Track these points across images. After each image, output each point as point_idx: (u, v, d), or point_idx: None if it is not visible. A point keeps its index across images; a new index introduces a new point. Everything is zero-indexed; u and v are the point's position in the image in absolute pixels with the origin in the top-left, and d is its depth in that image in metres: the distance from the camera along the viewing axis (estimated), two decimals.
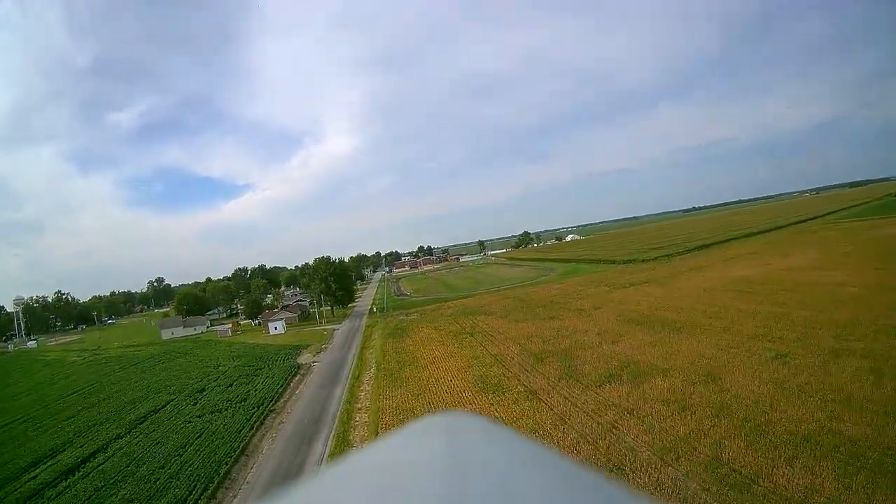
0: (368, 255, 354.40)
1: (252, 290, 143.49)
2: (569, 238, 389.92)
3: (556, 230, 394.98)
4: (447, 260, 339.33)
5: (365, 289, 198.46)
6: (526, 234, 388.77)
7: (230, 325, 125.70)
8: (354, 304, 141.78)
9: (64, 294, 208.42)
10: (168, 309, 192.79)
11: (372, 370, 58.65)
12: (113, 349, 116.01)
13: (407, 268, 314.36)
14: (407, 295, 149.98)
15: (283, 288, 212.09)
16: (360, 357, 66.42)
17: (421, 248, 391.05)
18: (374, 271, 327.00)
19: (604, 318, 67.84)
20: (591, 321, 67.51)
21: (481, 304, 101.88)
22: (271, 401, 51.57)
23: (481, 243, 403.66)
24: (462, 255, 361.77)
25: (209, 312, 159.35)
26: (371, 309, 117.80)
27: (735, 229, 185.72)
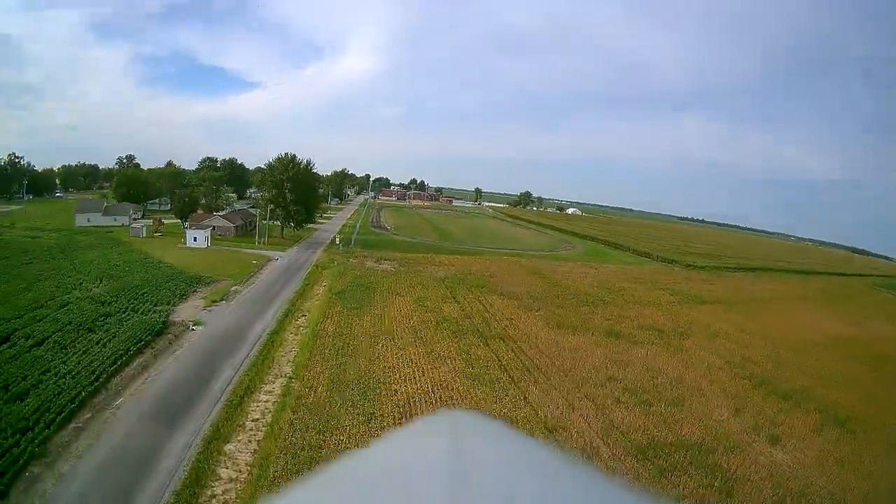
0: (357, 175, 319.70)
1: (190, 183, 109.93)
2: (570, 211, 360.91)
3: (554, 200, 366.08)
4: (439, 200, 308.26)
5: (340, 210, 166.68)
6: (527, 194, 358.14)
7: (151, 223, 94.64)
8: (317, 226, 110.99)
9: (18, 158, 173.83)
10: (107, 190, 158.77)
11: (276, 389, 28.44)
12: (16, 230, 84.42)
13: (394, 198, 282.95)
14: (386, 230, 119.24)
15: (252, 190, 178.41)
16: (271, 341, 35.86)
17: (413, 180, 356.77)
18: (358, 194, 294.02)
19: (709, 363, 39.48)
20: (692, 364, 38.69)
21: (489, 270, 71.94)
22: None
23: (478, 191, 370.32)
24: (456, 198, 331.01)
25: (151, 202, 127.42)
26: (335, 239, 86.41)
27: (778, 260, 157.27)
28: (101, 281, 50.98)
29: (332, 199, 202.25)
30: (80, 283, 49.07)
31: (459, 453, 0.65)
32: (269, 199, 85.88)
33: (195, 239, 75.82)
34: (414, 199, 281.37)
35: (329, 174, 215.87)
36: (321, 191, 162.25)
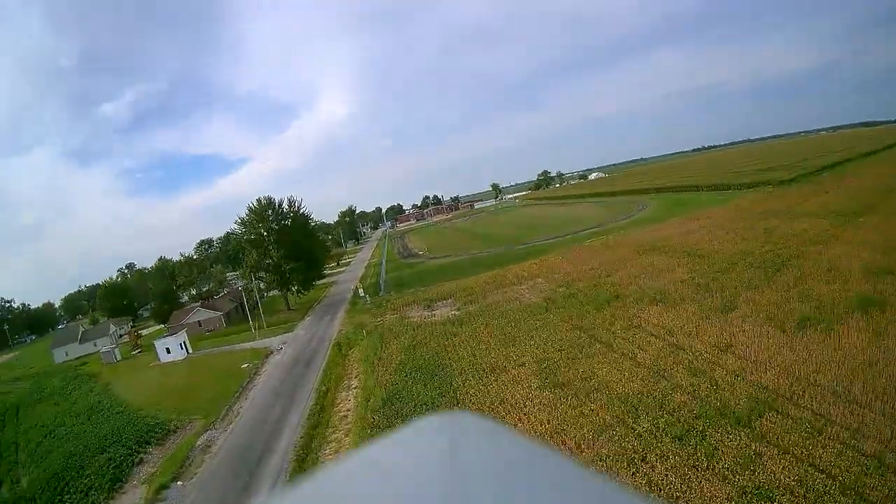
0: (367, 212, 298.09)
1: (170, 275, 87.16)
2: (592, 177, 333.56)
3: (572, 173, 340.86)
4: (458, 208, 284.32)
5: (358, 251, 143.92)
6: (546, 173, 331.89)
7: (127, 339, 73.77)
8: (334, 278, 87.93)
9: (7, 301, 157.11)
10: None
11: None
12: None
13: (412, 221, 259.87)
14: (418, 255, 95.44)
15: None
16: None
17: (426, 198, 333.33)
18: (375, 228, 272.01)
19: None
20: None
21: (590, 265, 47.78)
22: None
23: (496, 187, 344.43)
24: (475, 201, 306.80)
25: (146, 308, 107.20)
26: (357, 290, 62.37)
27: (835, 150, 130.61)
28: (29, 464, 30.64)
29: (346, 243, 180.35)
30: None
31: (458, 454, 0.65)
32: (252, 265, 62.71)
33: (168, 351, 53.11)
34: (434, 215, 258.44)
35: (336, 218, 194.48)
36: (328, 236, 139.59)
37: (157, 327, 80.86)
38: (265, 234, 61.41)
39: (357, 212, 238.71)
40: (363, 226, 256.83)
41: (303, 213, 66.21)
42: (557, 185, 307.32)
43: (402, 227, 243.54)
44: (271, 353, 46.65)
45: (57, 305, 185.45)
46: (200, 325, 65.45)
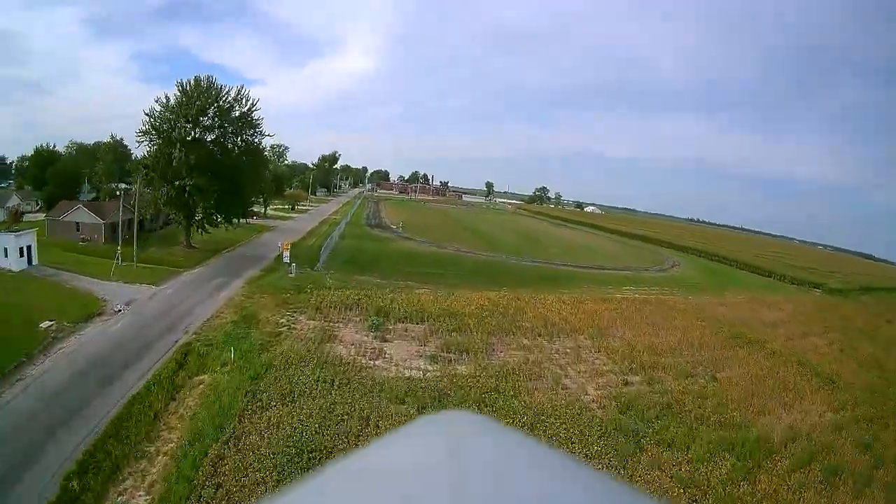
0: (352, 167, 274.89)
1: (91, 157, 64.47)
2: (588, 209, 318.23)
3: (565, 199, 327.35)
4: (445, 194, 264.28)
5: (324, 203, 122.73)
6: (544, 189, 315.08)
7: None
8: (274, 222, 67.26)
9: None
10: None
11: None
12: None
13: (395, 191, 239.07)
14: (389, 228, 75.25)
15: None
16: None
17: (416, 173, 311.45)
18: (354, 186, 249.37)
19: None
20: None
21: (693, 346, 28.36)
22: None
23: (489, 185, 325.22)
24: (463, 193, 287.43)
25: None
26: (288, 252, 41.31)
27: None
28: None
29: (318, 190, 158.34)
30: None
31: (459, 453, 0.65)
32: (148, 164, 41.77)
33: (5, 253, 32.59)
34: (419, 193, 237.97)
35: (316, 161, 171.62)
36: (293, 177, 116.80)
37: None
38: (187, 126, 40.67)
39: (340, 165, 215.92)
40: (343, 179, 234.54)
41: (252, 119, 45.13)
42: (552, 206, 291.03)
43: (382, 192, 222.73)
44: (99, 314, 26.69)
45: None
46: (78, 230, 45.06)
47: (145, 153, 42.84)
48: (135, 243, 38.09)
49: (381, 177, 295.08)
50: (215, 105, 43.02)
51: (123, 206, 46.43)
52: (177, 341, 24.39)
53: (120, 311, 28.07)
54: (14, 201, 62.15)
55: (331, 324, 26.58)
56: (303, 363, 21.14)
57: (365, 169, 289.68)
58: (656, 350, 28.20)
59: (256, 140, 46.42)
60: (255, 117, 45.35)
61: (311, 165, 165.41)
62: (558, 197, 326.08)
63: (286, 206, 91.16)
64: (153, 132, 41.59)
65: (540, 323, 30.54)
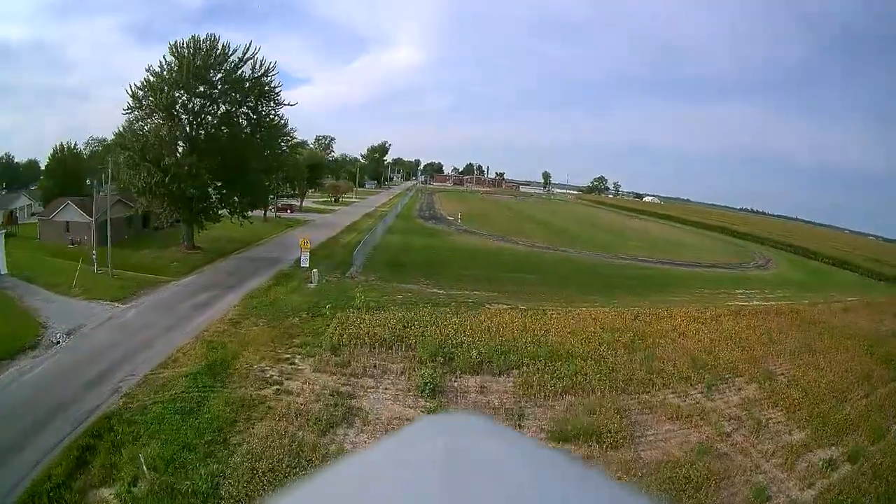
0: (405, 160, 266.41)
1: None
2: (647, 199, 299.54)
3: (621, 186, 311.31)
4: (502, 185, 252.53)
5: (373, 195, 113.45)
6: (601, 179, 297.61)
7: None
8: (309, 217, 57.66)
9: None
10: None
11: None
12: None
13: (449, 183, 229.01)
14: (446, 220, 64.24)
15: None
16: None
17: (470, 165, 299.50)
18: (406, 179, 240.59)
19: None
20: None
21: None
22: None
23: (547, 176, 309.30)
24: (520, 184, 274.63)
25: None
26: (308, 249, 30.53)
27: None
28: None
29: (365, 183, 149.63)
30: None
31: (459, 454, 0.65)
32: (126, 143, 32.07)
33: None
34: (474, 184, 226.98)
35: (364, 153, 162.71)
36: (335, 170, 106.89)
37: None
38: (182, 115, 31.22)
39: (391, 158, 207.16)
40: (395, 172, 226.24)
41: (267, 86, 34.84)
42: (611, 196, 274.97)
43: (436, 184, 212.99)
44: (31, 347, 17.76)
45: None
46: (69, 231, 36.91)
47: (122, 128, 33.02)
48: (108, 244, 28.33)
49: (435, 169, 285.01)
50: (221, 69, 33.09)
51: (120, 200, 37.42)
52: (98, 407, 14.41)
53: (58, 342, 18.67)
54: (22, 202, 55.01)
55: (352, 379, 15.65)
56: (282, 478, 10.49)
57: (417, 161, 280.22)
58: (830, 391, 17.56)
59: (272, 114, 36.15)
60: (272, 85, 35.18)
61: (360, 158, 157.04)
62: (617, 187, 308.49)
63: (329, 199, 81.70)
64: (140, 105, 32.00)
65: (683, 361, 18.95)
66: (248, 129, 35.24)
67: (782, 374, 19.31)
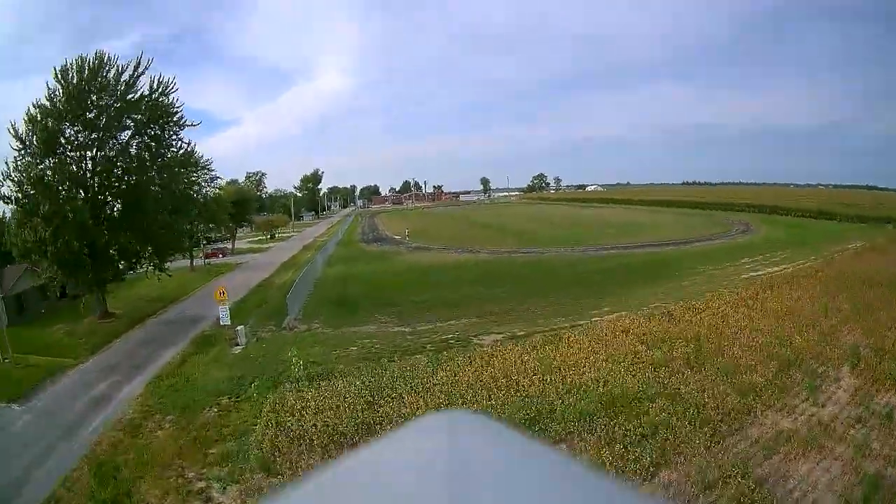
0: (340, 187, 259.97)
1: None
2: (590, 188, 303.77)
3: (561, 183, 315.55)
4: (441, 198, 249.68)
5: (311, 225, 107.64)
6: (541, 177, 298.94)
7: None
8: (243, 259, 51.55)
9: None
10: None
11: None
12: None
13: (388, 204, 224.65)
14: (393, 239, 59.32)
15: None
16: None
17: (407, 183, 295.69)
18: (344, 206, 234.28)
19: None
20: None
21: None
22: None
23: (486, 182, 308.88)
24: (459, 194, 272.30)
25: None
26: (225, 302, 24.80)
27: None
28: None
29: (305, 215, 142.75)
30: None
31: (458, 453, 0.65)
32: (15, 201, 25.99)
33: None
34: (414, 201, 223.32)
35: (296, 185, 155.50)
36: (264, 206, 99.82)
37: None
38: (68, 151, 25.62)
39: (324, 187, 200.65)
40: (332, 201, 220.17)
41: (162, 106, 29.31)
42: (552, 192, 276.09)
43: (375, 207, 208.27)
44: None
45: None
46: None
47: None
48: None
49: (372, 192, 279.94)
50: (113, 91, 27.63)
51: (30, 268, 31.23)
52: None
53: None
54: None
55: None
56: None
57: (354, 187, 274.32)
58: None
59: (174, 138, 30.65)
60: (169, 104, 29.73)
61: (294, 190, 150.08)
62: (558, 182, 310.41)
63: (263, 237, 75.50)
64: (25, 146, 26.21)
65: (761, 361, 14.90)
66: (147, 161, 29.56)
67: (865, 346, 15.53)
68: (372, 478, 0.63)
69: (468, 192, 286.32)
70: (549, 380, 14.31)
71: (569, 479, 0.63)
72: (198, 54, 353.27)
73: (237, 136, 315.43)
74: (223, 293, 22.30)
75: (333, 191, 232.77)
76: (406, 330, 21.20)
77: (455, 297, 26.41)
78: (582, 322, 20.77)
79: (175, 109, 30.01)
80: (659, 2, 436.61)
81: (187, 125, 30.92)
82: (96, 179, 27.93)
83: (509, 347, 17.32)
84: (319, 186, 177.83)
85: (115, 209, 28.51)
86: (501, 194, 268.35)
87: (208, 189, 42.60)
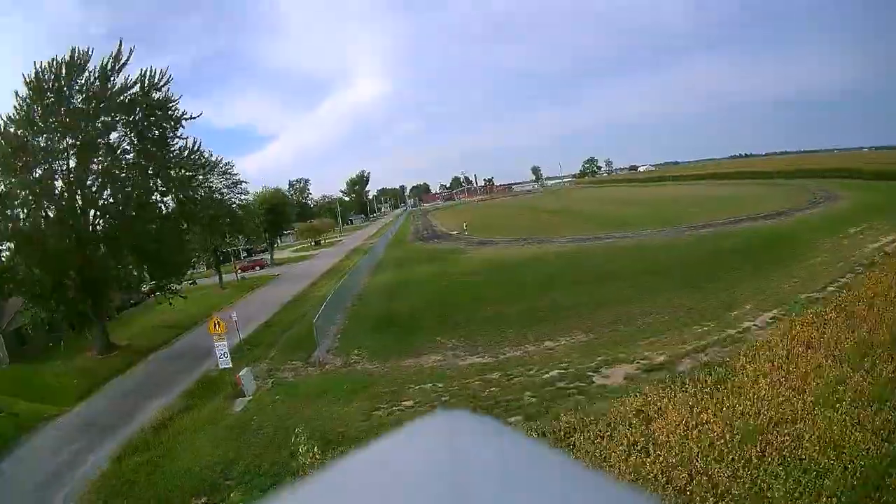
0: (389, 188, 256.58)
1: None
2: (642, 168, 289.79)
3: (613, 166, 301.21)
4: (493, 190, 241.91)
5: (360, 229, 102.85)
6: (592, 160, 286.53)
7: None
8: (279, 271, 45.97)
9: None
10: None
11: None
12: None
13: (440, 200, 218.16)
14: (450, 235, 52.83)
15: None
16: None
17: (457, 178, 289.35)
18: (395, 207, 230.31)
19: None
20: None
21: None
22: None
23: (536, 170, 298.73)
24: (510, 186, 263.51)
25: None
26: (222, 334, 18.40)
27: None
28: None
29: (354, 218, 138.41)
30: None
31: (458, 453, 0.65)
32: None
33: None
34: (466, 195, 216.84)
35: (343, 187, 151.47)
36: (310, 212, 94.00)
37: None
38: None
39: (373, 189, 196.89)
40: (383, 202, 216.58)
41: (158, 104, 23.71)
42: (605, 174, 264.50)
43: (427, 205, 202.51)
44: None
45: None
46: None
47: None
48: None
49: (423, 190, 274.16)
50: (91, 86, 22.39)
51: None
52: None
53: None
54: None
55: None
56: None
57: (403, 188, 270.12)
58: None
59: (169, 134, 25.02)
60: (164, 99, 24.27)
61: (340, 194, 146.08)
62: (610, 164, 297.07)
63: (308, 244, 70.37)
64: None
65: None
66: (143, 164, 23.97)
67: None
68: (372, 478, 0.63)
69: (519, 183, 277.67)
70: (764, 465, 7.19)
71: (569, 480, 0.63)
72: (233, 71, 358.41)
73: (279, 148, 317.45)
74: (218, 325, 15.83)
75: (382, 192, 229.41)
76: (486, 361, 14.18)
77: (543, 305, 19.16)
78: (732, 331, 13.83)
79: (171, 104, 24.41)
80: None
81: (185, 119, 25.23)
82: (79, 193, 22.49)
83: (659, 392, 10.06)
84: (367, 189, 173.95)
85: (102, 226, 22.83)
86: (554, 181, 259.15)
87: (231, 196, 37.47)
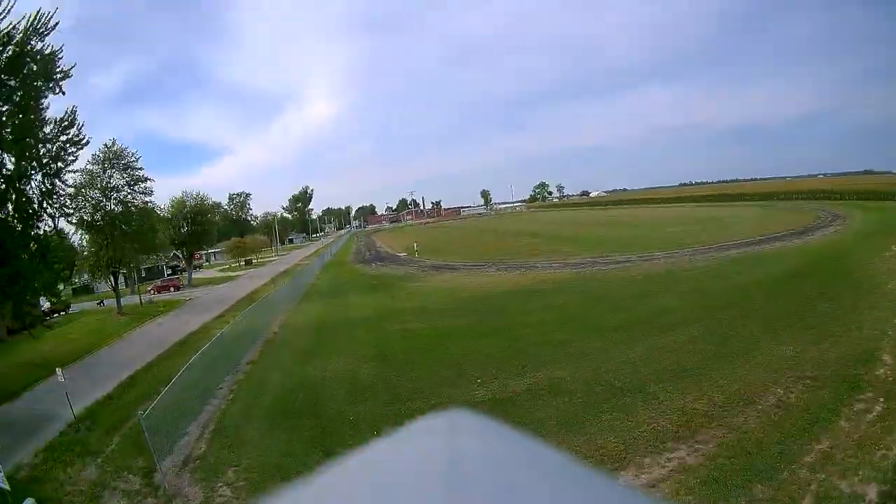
0: (334, 209, 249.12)
1: None
2: (593, 194, 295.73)
3: (564, 191, 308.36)
4: (440, 214, 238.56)
5: (300, 248, 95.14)
6: (543, 185, 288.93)
7: None
8: (189, 292, 38.42)
9: None
10: None
11: None
12: None
13: (385, 222, 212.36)
14: (397, 258, 46.14)
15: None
16: None
17: (403, 200, 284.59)
18: (340, 228, 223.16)
19: None
20: None
21: None
22: None
23: (486, 194, 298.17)
24: (460, 208, 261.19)
25: None
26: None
27: None
28: None
29: (294, 237, 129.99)
30: None
31: (458, 453, 0.64)
32: None
33: None
34: (413, 217, 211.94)
35: (284, 205, 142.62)
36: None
37: None
38: None
39: (321, 210, 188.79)
40: (327, 222, 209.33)
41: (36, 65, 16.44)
42: (556, 199, 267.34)
43: (371, 226, 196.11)
44: None
45: None
46: None
47: None
48: None
49: (368, 211, 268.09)
50: None
51: None
52: None
53: None
54: None
55: None
56: None
57: (349, 208, 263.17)
58: None
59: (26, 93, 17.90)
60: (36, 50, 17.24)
61: (282, 210, 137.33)
62: (561, 189, 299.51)
63: (236, 263, 62.23)
64: None
65: None
66: None
67: None
68: (372, 478, 0.63)
69: (468, 207, 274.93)
70: None
71: (568, 479, 0.63)
72: (189, 84, 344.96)
73: (234, 162, 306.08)
74: None
75: (327, 213, 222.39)
76: None
77: (564, 378, 12.42)
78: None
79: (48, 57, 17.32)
80: (637, 6, 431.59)
81: (59, 75, 17.93)
82: None
83: None
84: (311, 207, 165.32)
85: None
86: (504, 205, 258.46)
87: (129, 194, 30.15)
